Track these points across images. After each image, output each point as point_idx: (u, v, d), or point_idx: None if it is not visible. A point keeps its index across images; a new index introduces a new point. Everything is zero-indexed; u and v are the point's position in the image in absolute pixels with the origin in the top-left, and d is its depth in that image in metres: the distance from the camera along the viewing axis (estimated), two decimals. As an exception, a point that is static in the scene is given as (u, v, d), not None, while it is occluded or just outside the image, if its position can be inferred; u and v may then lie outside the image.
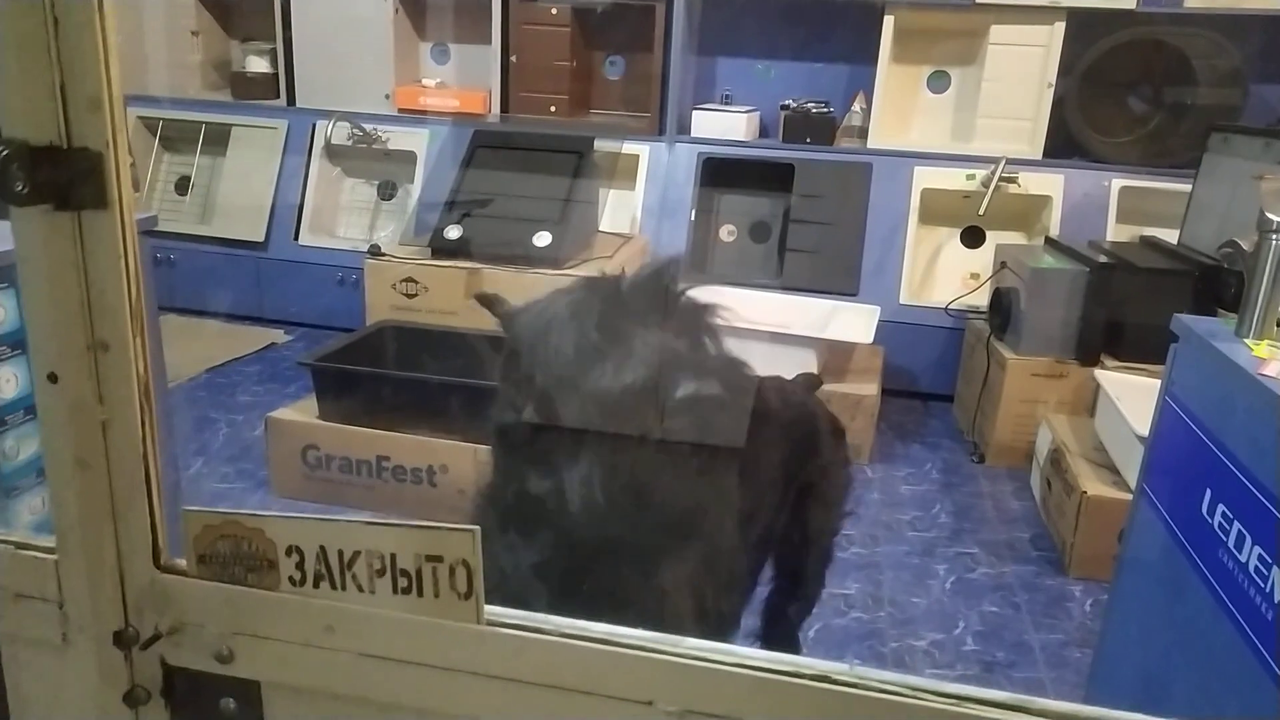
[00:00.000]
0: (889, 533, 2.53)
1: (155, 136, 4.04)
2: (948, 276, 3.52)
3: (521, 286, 2.97)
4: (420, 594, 0.58)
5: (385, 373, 2.61)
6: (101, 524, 0.61)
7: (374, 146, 3.84)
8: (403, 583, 0.59)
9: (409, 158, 3.84)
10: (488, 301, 1.02)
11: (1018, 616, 2.18)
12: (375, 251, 3.07)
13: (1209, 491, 0.99)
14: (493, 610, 0.59)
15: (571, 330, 0.85)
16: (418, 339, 2.77)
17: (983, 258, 3.49)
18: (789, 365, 2.79)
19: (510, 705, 0.59)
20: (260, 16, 3.98)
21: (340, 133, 3.80)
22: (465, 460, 2.38)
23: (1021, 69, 3.35)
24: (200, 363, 3.35)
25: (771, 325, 3.02)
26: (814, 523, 1.36)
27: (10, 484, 1.23)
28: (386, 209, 4.06)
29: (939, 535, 2.53)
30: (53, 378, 0.58)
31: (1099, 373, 2.62)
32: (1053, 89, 3.33)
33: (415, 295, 3.00)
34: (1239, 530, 0.91)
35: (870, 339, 2.92)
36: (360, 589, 0.59)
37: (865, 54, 3.52)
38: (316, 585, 0.60)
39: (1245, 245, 1.02)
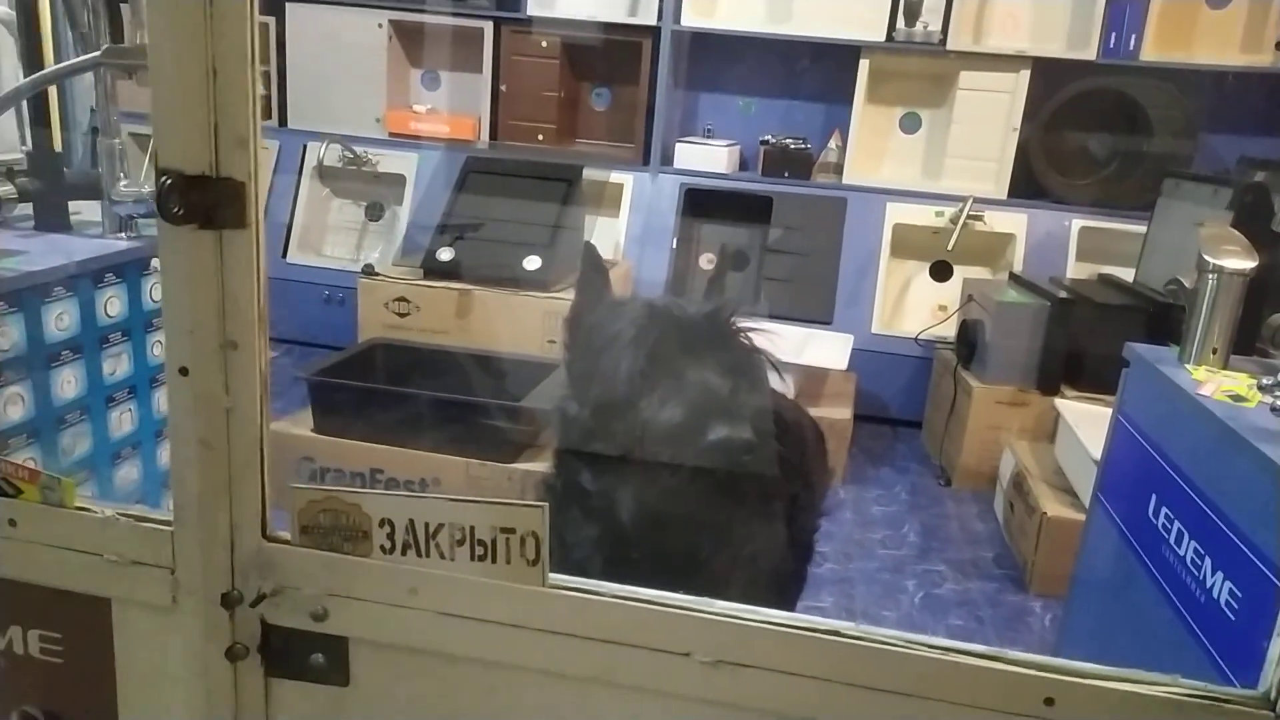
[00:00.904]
0: (861, 550, 2.65)
1: (147, 154, 4.09)
2: (917, 308, 3.68)
3: (511, 308, 3.08)
4: (494, 561, 0.69)
5: (382, 388, 2.69)
6: (219, 498, 0.71)
7: (364, 168, 3.94)
8: (479, 551, 0.69)
9: (398, 180, 3.93)
10: (592, 262, 1.10)
11: (981, 630, 2.30)
12: (369, 271, 3.16)
13: (1154, 496, 1.12)
14: (555, 576, 0.70)
15: (628, 356, 0.96)
16: (409, 356, 2.86)
17: (950, 291, 3.65)
18: (767, 389, 2.93)
19: (569, 657, 0.69)
20: (255, 39, 4.07)
21: (331, 154, 3.89)
22: (457, 473, 2.46)
23: (989, 113, 3.54)
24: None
25: (750, 350, 3.15)
26: (801, 523, 1.48)
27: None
28: (374, 229, 4.15)
29: (908, 553, 2.66)
30: (184, 371, 0.68)
31: (1059, 401, 2.78)
32: (1018, 133, 3.52)
33: (407, 314, 3.09)
34: (1179, 528, 1.04)
35: (844, 365, 3.06)
36: (442, 556, 0.69)
37: (842, 94, 3.69)
38: (404, 553, 0.70)
39: (1187, 283, 1.15)
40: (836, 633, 0.67)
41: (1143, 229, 3.22)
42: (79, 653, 0.77)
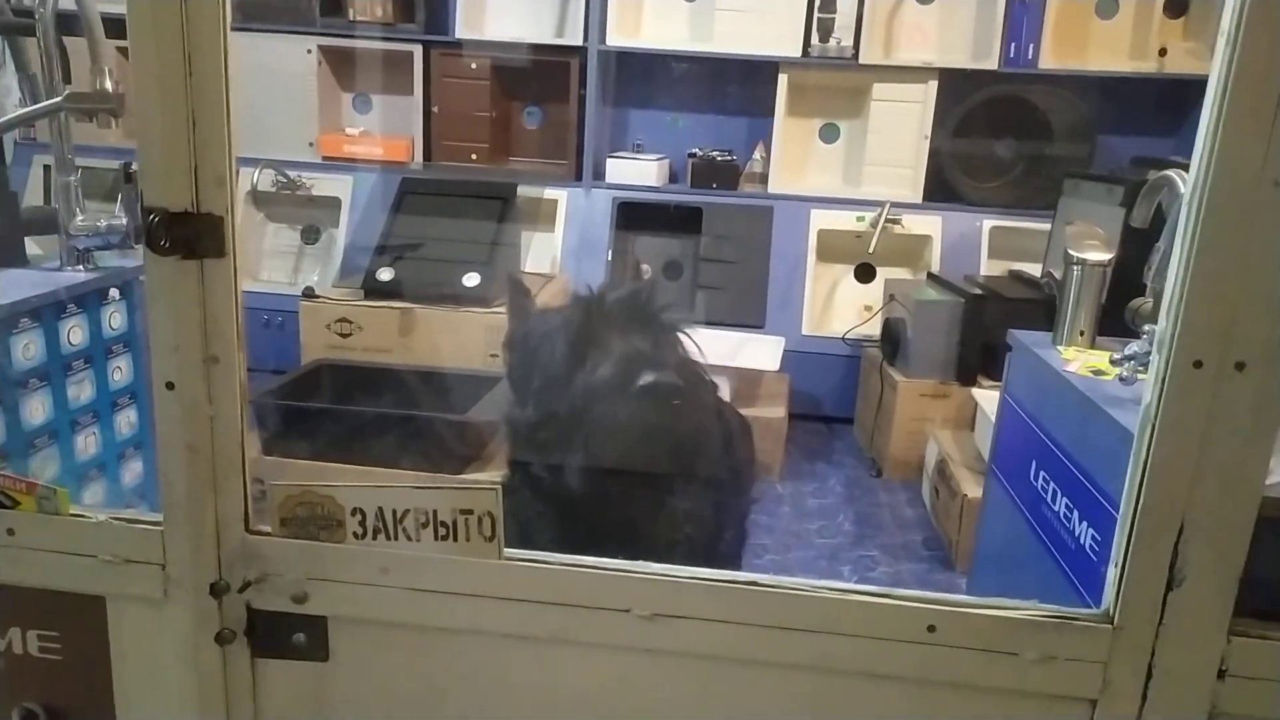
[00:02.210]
0: (798, 540, 2.79)
1: (113, 187, 4.07)
2: (844, 309, 3.84)
3: (452, 325, 3.16)
4: (455, 539, 0.79)
5: (327, 407, 2.75)
6: (205, 498, 0.79)
7: (298, 192, 3.97)
8: (442, 531, 0.79)
9: (333, 203, 3.98)
10: (517, 288, 1.21)
11: (912, 607, 2.45)
12: (309, 294, 3.20)
13: (1034, 463, 1.27)
14: (509, 550, 0.80)
15: (560, 340, 1.07)
16: (354, 375, 2.92)
17: (875, 291, 3.83)
18: (704, 392, 3.06)
19: (526, 620, 0.80)
20: (184, 67, 4.08)
21: (265, 179, 3.92)
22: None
23: (901, 122, 3.73)
24: (130, 405, 3.40)
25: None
26: (732, 507, 1.60)
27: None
28: (310, 252, 4.18)
29: (843, 541, 2.80)
30: (170, 385, 0.77)
31: (976, 391, 2.96)
32: (929, 140, 3.71)
33: (350, 334, 3.15)
34: (1054, 488, 1.19)
35: (776, 367, 3.20)
36: (409, 538, 0.79)
37: (763, 107, 3.85)
38: (375, 537, 0.80)
39: (1057, 274, 1.30)
40: (754, 583, 0.79)
41: (1047, 226, 3.44)
42: (76, 649, 0.85)
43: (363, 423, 2.63)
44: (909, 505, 3.06)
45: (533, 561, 0.79)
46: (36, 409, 1.34)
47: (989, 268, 3.68)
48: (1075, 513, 1.11)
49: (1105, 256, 1.29)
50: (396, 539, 0.79)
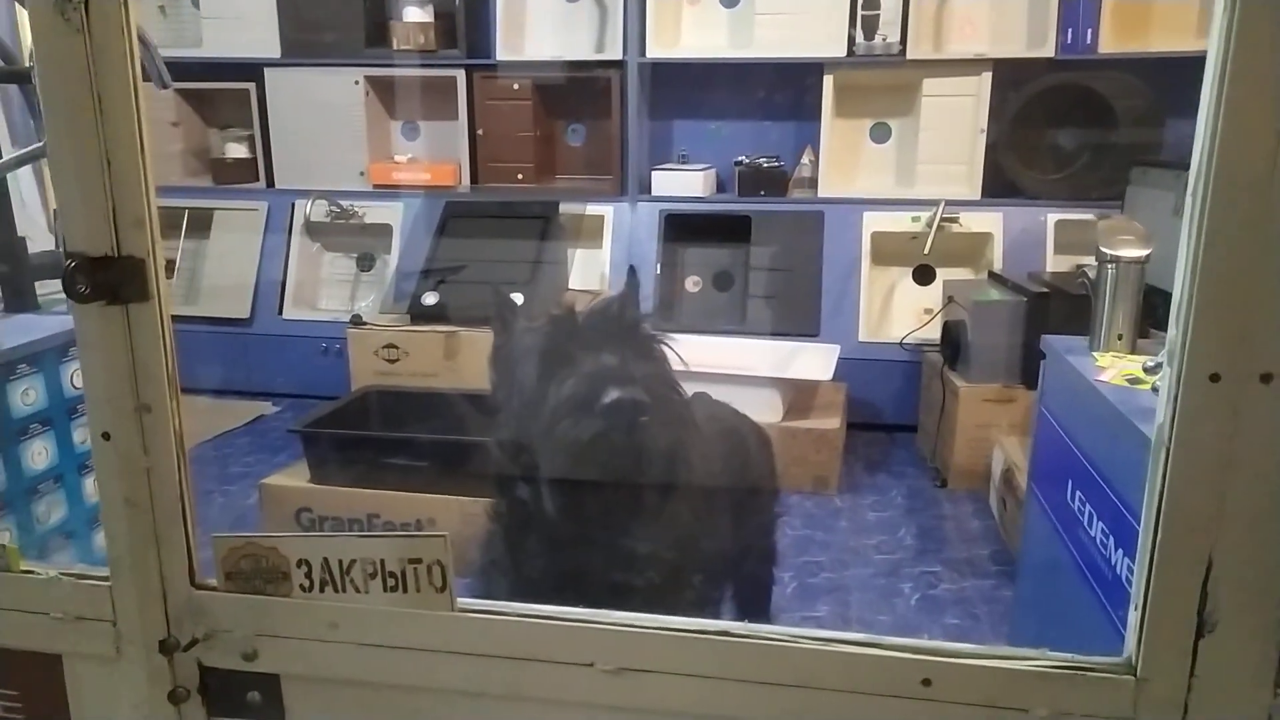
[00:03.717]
0: (856, 557, 2.68)
1: None
2: (903, 313, 3.71)
3: (497, 346, 3.14)
4: (405, 590, 0.74)
5: (371, 434, 2.75)
6: (147, 552, 0.76)
7: (351, 221, 4.03)
8: (390, 582, 0.74)
9: (385, 230, 4.02)
10: (503, 304, 1.17)
11: (977, 627, 2.31)
12: (357, 321, 3.23)
13: (1070, 482, 1.15)
14: (463, 600, 0.74)
15: (533, 360, 1.03)
16: (400, 401, 2.93)
17: (934, 294, 3.68)
18: (754, 406, 2.95)
19: (481, 676, 0.74)
20: (237, 105, 4.19)
21: (318, 210, 3.99)
22: (451, 512, 2.51)
23: (955, 117, 3.59)
24: (191, 438, 3.46)
25: (736, 369, 3.20)
26: (753, 526, 1.53)
27: (43, 543, 1.37)
28: (366, 279, 4.23)
29: (904, 557, 2.68)
30: (106, 436, 0.74)
31: (1041, 395, 2.80)
32: (985, 134, 3.56)
33: (397, 360, 3.16)
34: (1090, 511, 1.08)
35: (829, 376, 3.09)
36: (357, 590, 0.74)
37: (810, 111, 3.76)
38: (322, 590, 0.75)
39: (1092, 274, 1.20)
40: (726, 633, 0.71)
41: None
42: (36, 709, 0.82)
43: (406, 448, 2.63)
44: (975, 517, 2.92)
45: (487, 612, 0.74)
46: (39, 454, 1.35)
47: (1055, 263, 3.51)
48: (1111, 539, 1.00)
49: (1142, 252, 1.17)
50: (344, 590, 0.75)
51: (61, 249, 0.69)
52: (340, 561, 0.74)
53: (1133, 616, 0.68)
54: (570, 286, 3.59)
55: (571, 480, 1.01)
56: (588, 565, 1.04)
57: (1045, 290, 3.02)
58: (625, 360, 1.03)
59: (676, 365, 1.12)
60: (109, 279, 0.70)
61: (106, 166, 0.68)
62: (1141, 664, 0.67)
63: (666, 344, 1.10)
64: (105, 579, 0.78)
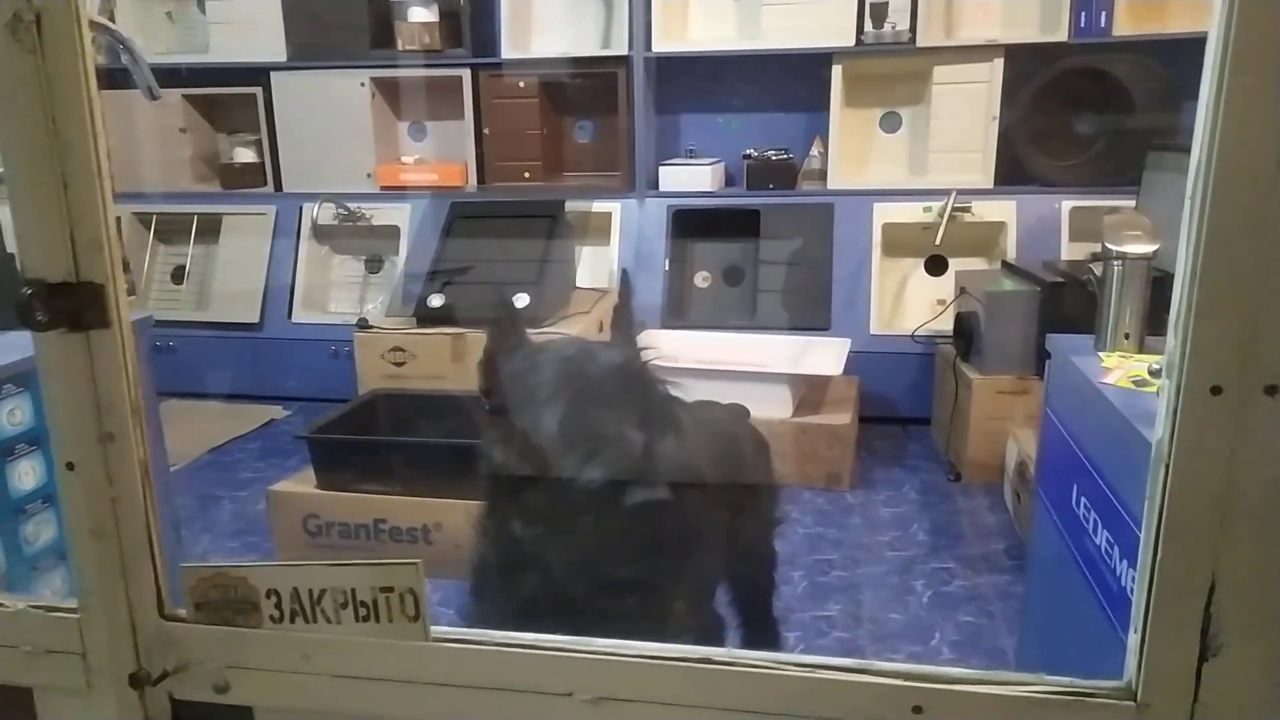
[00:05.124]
0: (868, 554, 2.64)
1: (150, 231, 4.22)
2: (915, 305, 3.66)
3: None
4: (377, 620, 0.71)
5: (375, 439, 2.74)
6: (115, 583, 0.74)
7: (359, 224, 4.02)
8: (362, 612, 0.72)
9: (393, 232, 4.01)
10: (503, 309, 1.13)
11: (991, 624, 2.28)
12: (364, 324, 3.22)
13: (1075, 487, 1.11)
14: (437, 629, 0.72)
15: (545, 416, 0.99)
16: (408, 404, 2.91)
17: (947, 285, 3.63)
18: (763, 402, 2.94)
19: (455, 706, 0.72)
20: (244, 110, 4.19)
21: (326, 213, 3.98)
22: (458, 516, 2.49)
23: (967, 104, 3.53)
24: (203, 444, 3.49)
25: (746, 365, 3.17)
26: (752, 532, 1.50)
27: (32, 565, 1.37)
28: (375, 281, 4.23)
29: (917, 553, 2.64)
30: (70, 466, 0.72)
31: (1057, 387, 2.75)
32: (998, 121, 3.50)
33: (404, 363, 3.14)
34: (1095, 519, 1.04)
35: (840, 371, 3.05)
36: (329, 620, 0.72)
37: (818, 101, 3.70)
38: (293, 620, 0.73)
39: (1097, 270, 1.15)
40: (708, 660, 0.69)
41: (1133, 204, 3.19)
42: (13, 741, 0.81)
43: (412, 453, 2.61)
44: (990, 511, 2.87)
45: (462, 642, 0.71)
46: (27, 474, 1.34)
47: (1071, 252, 3.45)
48: (1115, 550, 0.96)
49: (1149, 248, 1.12)
50: (315, 621, 0.72)
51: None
52: (310, 591, 0.72)
53: (1133, 639, 0.65)
54: (578, 285, 3.56)
55: (580, 557, 0.99)
56: (573, 591, 1.01)
57: (1060, 280, 2.96)
58: (649, 442, 0.98)
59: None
60: (68, 305, 0.68)
61: (63, 189, 0.66)
62: (1142, 689, 0.64)
63: (681, 399, 1.06)
64: (74, 611, 0.76)
